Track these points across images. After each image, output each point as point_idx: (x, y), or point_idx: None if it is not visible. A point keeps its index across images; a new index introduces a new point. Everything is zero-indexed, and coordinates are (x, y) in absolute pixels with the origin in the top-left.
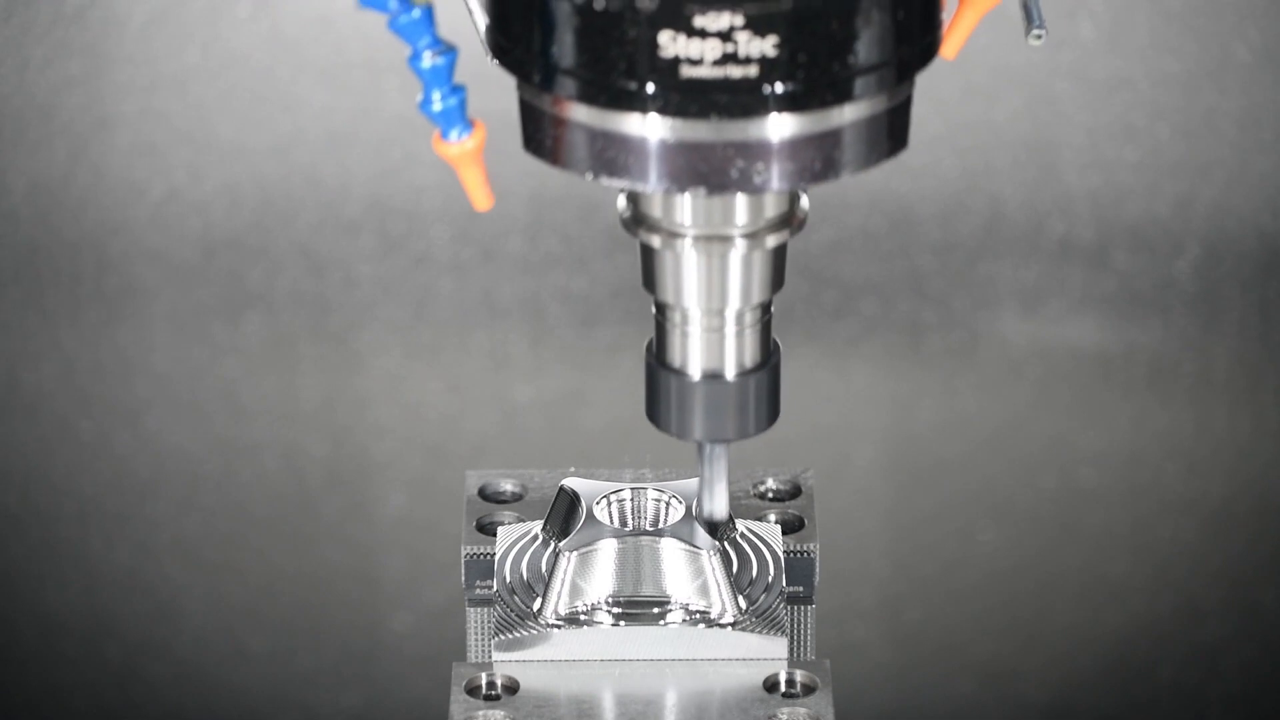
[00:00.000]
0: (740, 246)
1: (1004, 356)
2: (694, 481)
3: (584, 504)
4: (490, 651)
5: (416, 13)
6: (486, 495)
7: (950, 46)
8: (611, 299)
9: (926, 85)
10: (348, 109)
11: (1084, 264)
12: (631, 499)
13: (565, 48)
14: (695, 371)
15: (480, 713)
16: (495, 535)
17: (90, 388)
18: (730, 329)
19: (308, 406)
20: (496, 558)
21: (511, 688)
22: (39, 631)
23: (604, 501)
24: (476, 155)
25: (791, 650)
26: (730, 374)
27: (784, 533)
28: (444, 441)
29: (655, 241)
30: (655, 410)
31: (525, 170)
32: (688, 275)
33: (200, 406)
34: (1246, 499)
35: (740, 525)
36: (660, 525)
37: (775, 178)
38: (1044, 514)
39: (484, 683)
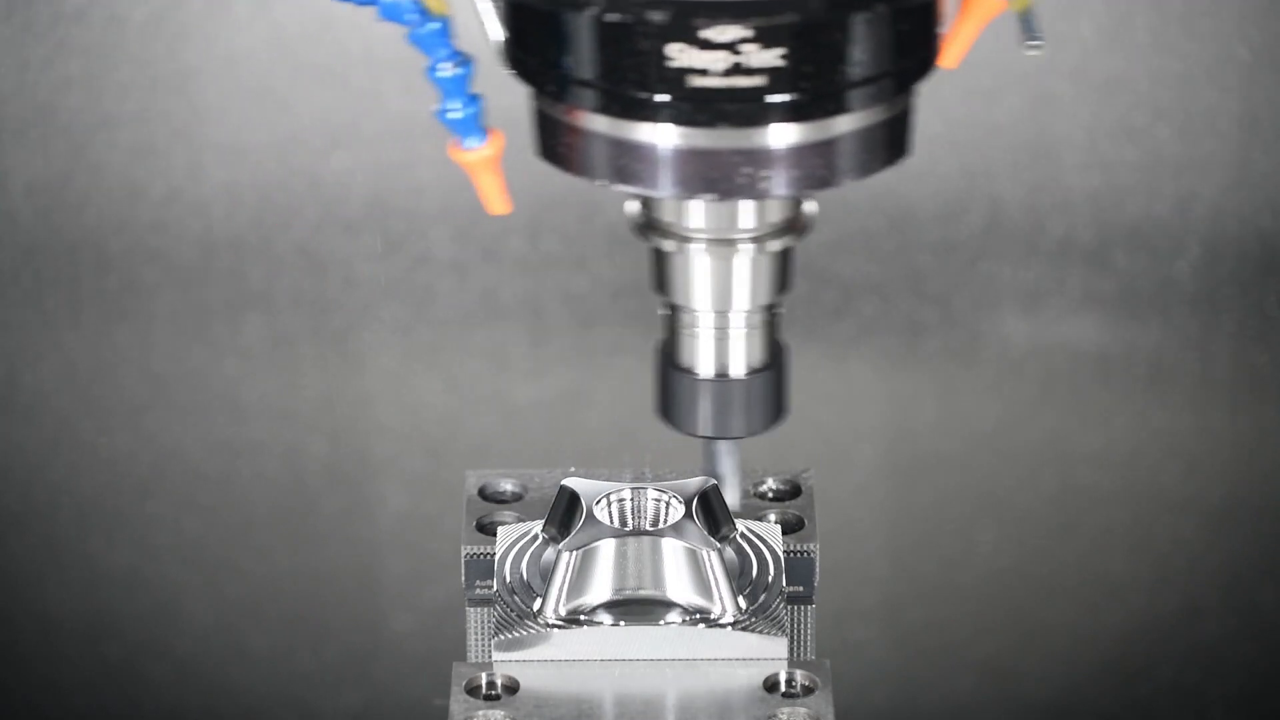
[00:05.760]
0: (746, 250)
1: (1004, 356)
2: (694, 481)
3: (584, 504)
4: (490, 651)
5: (435, 25)
6: (486, 495)
7: (950, 56)
8: (611, 299)
9: (926, 85)
10: (348, 109)
11: (1084, 264)
12: (631, 499)
13: (580, 60)
14: (704, 371)
15: (480, 713)
16: (495, 535)
17: (90, 388)
18: (738, 330)
19: (308, 406)
20: (496, 558)
21: (511, 688)
22: (39, 631)
23: (604, 501)
24: (494, 163)
25: (791, 650)
26: (737, 373)
27: (784, 533)
28: (444, 441)
29: (667, 246)
30: (666, 407)
31: (524, 170)
32: (697, 278)
33: (200, 406)
34: (1246, 499)
35: (740, 525)
36: (660, 525)
37: (780, 184)
38: (1044, 514)
39: (484, 683)
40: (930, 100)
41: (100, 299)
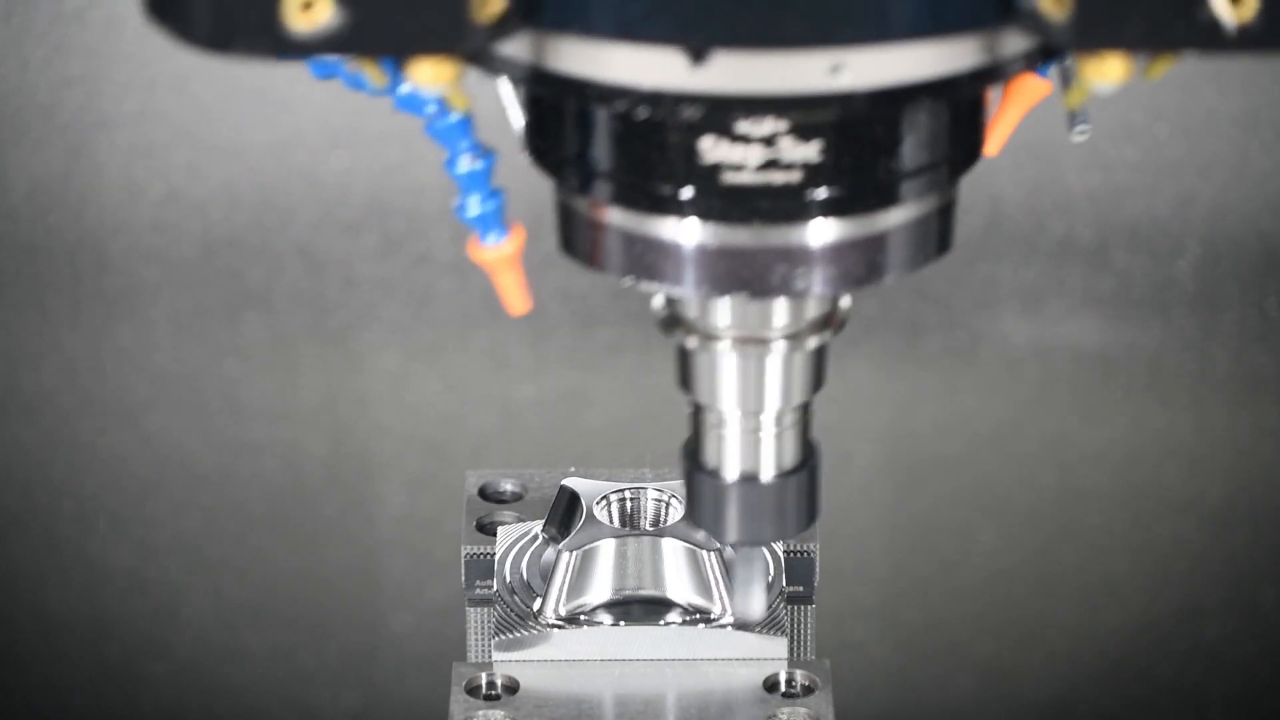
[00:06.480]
0: (779, 349)
1: (1004, 356)
2: None
3: (584, 504)
4: (490, 651)
5: (454, 117)
6: (487, 495)
7: (994, 143)
8: (611, 299)
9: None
10: (348, 109)
11: (1084, 264)
12: (631, 499)
13: (604, 152)
14: (731, 474)
15: (480, 713)
16: (495, 535)
17: (90, 388)
18: (768, 431)
19: (308, 406)
20: (496, 558)
21: (511, 688)
22: (39, 631)
23: (604, 501)
24: (514, 260)
25: (791, 650)
26: (767, 476)
27: None
28: (444, 441)
29: (692, 343)
30: (692, 509)
31: (525, 169)
32: (725, 378)
33: (200, 406)
34: (1246, 499)
35: None
36: (660, 525)
37: (818, 283)
38: (1044, 514)
39: (484, 683)
40: None
41: (100, 299)
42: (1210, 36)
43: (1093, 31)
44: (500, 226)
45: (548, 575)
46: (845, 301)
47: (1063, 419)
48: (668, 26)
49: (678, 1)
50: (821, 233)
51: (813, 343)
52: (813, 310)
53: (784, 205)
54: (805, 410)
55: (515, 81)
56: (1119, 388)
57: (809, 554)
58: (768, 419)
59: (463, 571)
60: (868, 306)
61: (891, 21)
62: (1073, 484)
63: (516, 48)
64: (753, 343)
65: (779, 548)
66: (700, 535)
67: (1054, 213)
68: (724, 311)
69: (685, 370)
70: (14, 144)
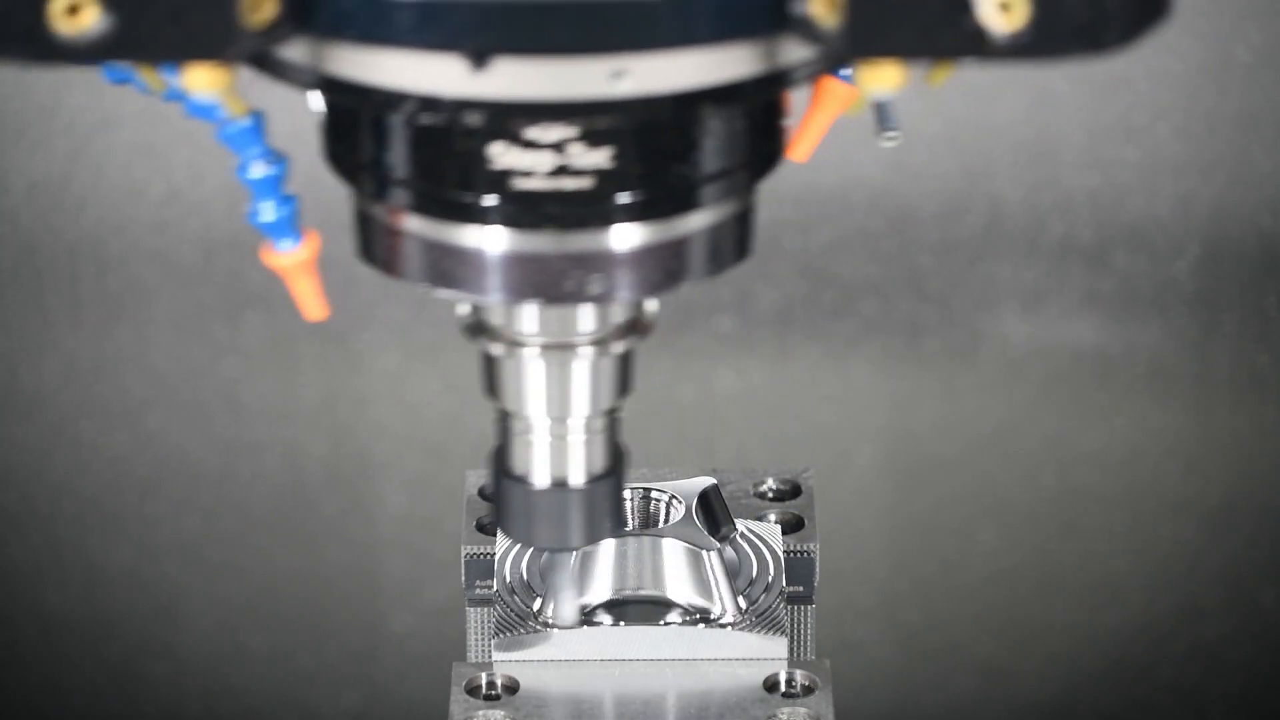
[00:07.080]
0: (586, 354)
1: (1004, 356)
2: (695, 481)
3: None
4: (490, 651)
5: (244, 123)
6: (486, 495)
7: (801, 149)
8: None
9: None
10: None
11: (1084, 264)
12: (632, 499)
13: (396, 159)
14: (540, 480)
15: (480, 713)
16: (495, 535)
17: (90, 388)
18: (577, 437)
19: (308, 406)
20: (496, 558)
21: (511, 688)
22: (39, 631)
23: None
24: (309, 266)
25: (791, 650)
26: (576, 482)
27: (784, 532)
28: (444, 441)
29: (497, 350)
30: (501, 517)
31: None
32: (531, 384)
33: (200, 406)
34: (1246, 499)
35: (740, 525)
36: (660, 525)
37: (615, 288)
38: (1044, 514)
39: (484, 682)
40: (930, 100)
41: (100, 299)
42: (979, 44)
43: (863, 39)
44: (294, 233)
45: (548, 575)
46: (651, 306)
47: (1063, 419)
48: (444, 33)
49: (454, 8)
50: (617, 239)
51: (619, 348)
52: (619, 315)
53: (578, 211)
54: (613, 416)
55: (302, 87)
56: (1119, 388)
57: (809, 554)
58: (575, 425)
59: (463, 571)
60: (868, 306)
61: (670, 28)
62: (1073, 484)
63: (299, 52)
64: (558, 349)
65: (779, 548)
66: (701, 535)
67: (1054, 213)
68: (528, 318)
69: (491, 377)
70: (14, 144)
